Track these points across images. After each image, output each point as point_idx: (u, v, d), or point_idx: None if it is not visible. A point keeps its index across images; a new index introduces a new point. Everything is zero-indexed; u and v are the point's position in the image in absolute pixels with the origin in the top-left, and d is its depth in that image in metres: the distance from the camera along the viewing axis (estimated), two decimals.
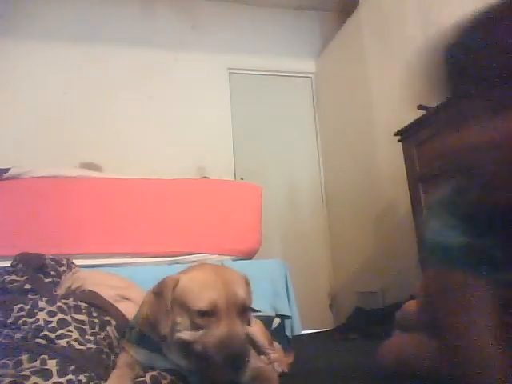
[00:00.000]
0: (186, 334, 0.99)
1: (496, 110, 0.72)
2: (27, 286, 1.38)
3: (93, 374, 1.06)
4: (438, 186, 0.87)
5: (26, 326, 1.13)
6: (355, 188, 3.42)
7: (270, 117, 3.93)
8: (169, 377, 1.04)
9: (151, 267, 2.14)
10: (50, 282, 1.51)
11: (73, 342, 1.12)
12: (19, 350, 1.05)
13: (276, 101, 3.98)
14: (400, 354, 1.18)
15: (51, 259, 1.59)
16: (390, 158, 2.82)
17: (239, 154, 3.76)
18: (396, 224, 2.83)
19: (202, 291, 1.00)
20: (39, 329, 1.12)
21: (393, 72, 2.89)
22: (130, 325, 1.20)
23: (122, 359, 1.12)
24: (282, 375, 1.38)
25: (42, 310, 1.18)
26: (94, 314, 1.27)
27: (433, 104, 1.91)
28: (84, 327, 1.20)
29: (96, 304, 1.33)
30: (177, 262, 2.23)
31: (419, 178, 2.20)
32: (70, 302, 1.27)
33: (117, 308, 1.37)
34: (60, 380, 0.98)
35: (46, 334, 1.11)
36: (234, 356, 0.92)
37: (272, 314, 2.08)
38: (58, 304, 1.22)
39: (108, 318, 1.30)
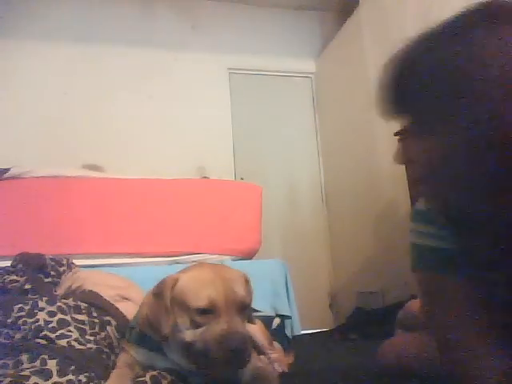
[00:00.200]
0: (187, 335, 0.99)
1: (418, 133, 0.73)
2: (27, 286, 1.39)
3: (93, 374, 1.05)
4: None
5: (26, 326, 1.13)
6: (355, 188, 3.41)
7: (269, 117, 3.93)
8: (169, 377, 1.04)
9: (151, 267, 2.14)
10: (49, 282, 1.51)
11: (73, 342, 1.12)
12: (19, 350, 1.05)
13: (276, 101, 3.98)
14: (401, 354, 1.18)
15: (51, 259, 1.59)
16: (390, 158, 2.81)
17: (239, 153, 3.76)
18: (396, 224, 2.83)
19: (200, 289, 1.00)
20: (39, 329, 1.12)
21: None
22: (130, 325, 1.20)
23: (122, 359, 1.12)
24: (282, 375, 1.38)
25: (42, 310, 1.18)
26: (94, 314, 1.28)
27: None
28: (84, 327, 1.20)
29: (96, 304, 1.33)
30: (177, 262, 2.23)
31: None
32: (70, 302, 1.27)
33: (117, 308, 1.37)
34: (60, 380, 0.98)
35: (46, 334, 1.11)
36: (235, 351, 0.93)
37: (272, 314, 2.08)
38: (58, 304, 1.22)
39: (108, 318, 1.30)
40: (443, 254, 0.81)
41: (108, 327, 1.27)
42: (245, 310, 1.04)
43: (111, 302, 1.39)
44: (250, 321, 1.15)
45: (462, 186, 0.67)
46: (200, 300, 0.98)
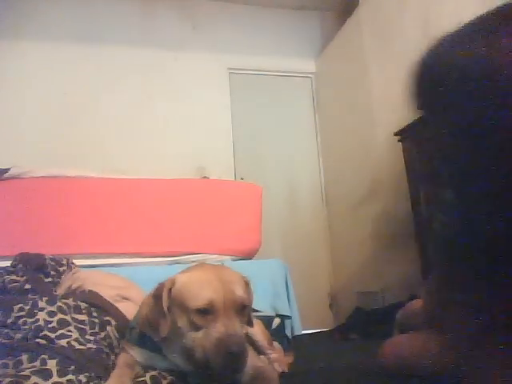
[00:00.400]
0: (186, 339, 0.99)
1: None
2: (27, 286, 1.39)
3: (93, 374, 1.06)
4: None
5: (26, 326, 1.13)
6: (355, 188, 3.41)
7: (269, 117, 3.93)
8: (169, 377, 1.04)
9: (151, 267, 2.14)
10: (49, 282, 1.51)
11: (73, 342, 1.12)
12: (19, 350, 1.05)
13: (276, 101, 3.98)
14: (401, 354, 1.18)
15: (51, 259, 1.59)
16: (390, 158, 2.82)
17: (239, 154, 3.76)
18: (396, 224, 2.83)
19: (199, 290, 1.00)
20: (39, 329, 1.12)
21: (393, 72, 2.89)
22: (130, 325, 1.20)
23: (122, 359, 1.12)
24: (282, 375, 1.38)
25: (42, 309, 1.18)
26: (94, 314, 1.28)
27: None
28: (84, 327, 1.20)
29: (96, 304, 1.33)
30: (177, 262, 2.23)
31: (419, 178, 2.21)
32: (70, 301, 1.27)
33: (117, 308, 1.37)
34: (60, 380, 0.98)
35: (45, 334, 1.11)
36: (232, 355, 0.92)
37: (272, 314, 2.08)
38: (58, 304, 1.22)
39: (108, 318, 1.30)
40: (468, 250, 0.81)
41: (108, 327, 1.27)
42: (244, 311, 1.03)
43: (111, 301, 1.39)
44: (250, 323, 1.14)
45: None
46: (198, 300, 0.98)
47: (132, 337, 1.14)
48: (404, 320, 1.37)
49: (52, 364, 1.01)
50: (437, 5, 2.46)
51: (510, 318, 0.73)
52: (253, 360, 1.09)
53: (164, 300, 1.01)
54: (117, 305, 1.39)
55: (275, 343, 1.66)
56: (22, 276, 1.42)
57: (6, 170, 2.36)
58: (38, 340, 1.09)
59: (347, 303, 3.39)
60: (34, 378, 0.95)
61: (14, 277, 1.41)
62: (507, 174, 0.62)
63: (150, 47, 3.69)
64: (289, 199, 3.85)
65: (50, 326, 1.14)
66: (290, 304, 2.18)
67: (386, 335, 1.37)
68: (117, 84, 3.54)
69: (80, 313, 1.24)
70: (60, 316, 1.18)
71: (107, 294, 1.41)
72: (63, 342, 1.10)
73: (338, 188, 3.73)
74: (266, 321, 1.89)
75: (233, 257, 2.36)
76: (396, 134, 2.41)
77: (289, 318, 2.14)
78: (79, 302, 1.29)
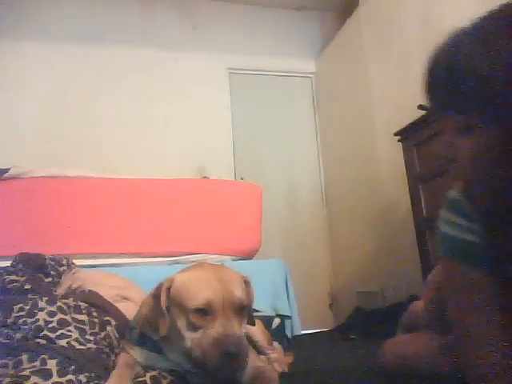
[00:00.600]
0: (185, 339, 0.99)
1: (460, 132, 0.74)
2: (27, 286, 1.38)
3: (93, 374, 1.05)
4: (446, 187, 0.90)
5: (26, 326, 1.13)
6: (355, 188, 3.42)
7: (270, 117, 3.93)
8: (169, 377, 1.04)
9: (151, 267, 2.14)
10: (49, 282, 1.51)
11: (73, 342, 1.12)
12: (19, 349, 1.05)
13: (276, 101, 3.98)
14: (402, 354, 1.18)
15: (51, 259, 1.59)
16: (390, 158, 2.82)
17: (239, 154, 3.76)
18: (396, 224, 2.83)
19: (197, 290, 0.99)
20: (39, 329, 1.12)
21: (393, 72, 2.89)
22: (130, 325, 1.20)
23: (122, 359, 1.11)
24: (282, 375, 1.38)
25: (41, 309, 1.18)
26: (94, 314, 1.27)
27: None
28: (84, 327, 1.20)
29: (96, 304, 1.33)
30: (177, 262, 2.23)
31: (419, 178, 2.21)
32: (70, 301, 1.27)
33: (117, 308, 1.37)
34: (60, 380, 0.98)
35: (45, 334, 1.11)
36: (230, 356, 0.92)
37: (272, 314, 2.08)
38: (58, 304, 1.22)
39: (108, 318, 1.30)
40: (470, 247, 0.82)
41: (108, 327, 1.27)
42: (243, 311, 1.03)
43: (111, 302, 1.39)
44: (252, 322, 1.14)
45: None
46: (196, 300, 0.97)
47: (132, 337, 1.14)
48: (408, 321, 1.37)
49: (52, 364, 1.01)
50: (437, 5, 2.46)
51: None
52: (253, 360, 1.09)
53: (162, 299, 1.01)
54: (117, 305, 1.39)
55: (275, 343, 1.66)
56: (21, 276, 1.42)
57: (6, 170, 2.36)
58: (37, 340, 1.09)
59: (347, 303, 3.39)
60: (33, 378, 0.95)
61: (14, 277, 1.41)
62: None
63: (150, 47, 3.70)
64: (289, 199, 3.85)
65: (50, 325, 1.14)
66: (289, 304, 2.18)
67: (386, 335, 1.37)
68: (117, 84, 3.54)
69: (80, 313, 1.24)
70: (60, 316, 1.18)
71: (107, 293, 1.41)
72: (63, 342, 1.10)
73: (338, 188, 3.73)
74: (266, 321, 1.89)
75: (233, 257, 2.36)
76: (396, 134, 2.41)
77: (289, 317, 2.14)
78: (79, 302, 1.29)
